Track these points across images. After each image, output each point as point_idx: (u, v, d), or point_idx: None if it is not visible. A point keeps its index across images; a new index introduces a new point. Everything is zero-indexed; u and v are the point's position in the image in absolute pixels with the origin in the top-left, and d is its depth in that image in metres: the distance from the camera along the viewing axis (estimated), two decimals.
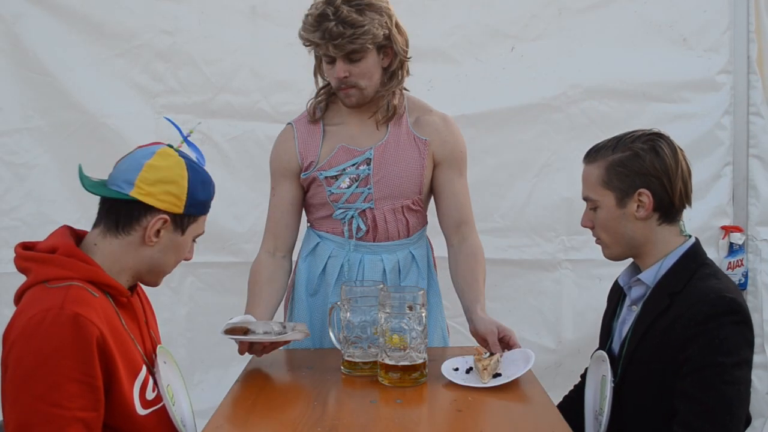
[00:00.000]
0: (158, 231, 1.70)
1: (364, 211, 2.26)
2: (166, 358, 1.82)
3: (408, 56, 2.25)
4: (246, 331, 1.92)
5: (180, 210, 1.71)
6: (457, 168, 2.33)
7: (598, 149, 1.93)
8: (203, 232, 1.83)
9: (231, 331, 1.93)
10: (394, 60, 2.23)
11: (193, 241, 1.82)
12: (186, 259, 1.82)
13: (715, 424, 1.69)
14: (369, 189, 2.25)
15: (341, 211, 2.27)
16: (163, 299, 3.11)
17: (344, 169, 2.25)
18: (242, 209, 3.15)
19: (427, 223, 2.39)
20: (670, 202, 1.86)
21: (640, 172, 1.85)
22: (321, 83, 2.31)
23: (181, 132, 1.82)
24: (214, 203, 3.07)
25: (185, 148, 1.82)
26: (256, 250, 3.11)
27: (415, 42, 3.04)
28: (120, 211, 1.69)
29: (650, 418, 1.82)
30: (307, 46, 2.18)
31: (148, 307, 1.90)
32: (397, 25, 2.21)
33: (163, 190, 1.68)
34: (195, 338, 3.18)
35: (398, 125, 2.29)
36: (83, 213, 2.75)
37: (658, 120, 3.01)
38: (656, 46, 3.05)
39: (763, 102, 3.05)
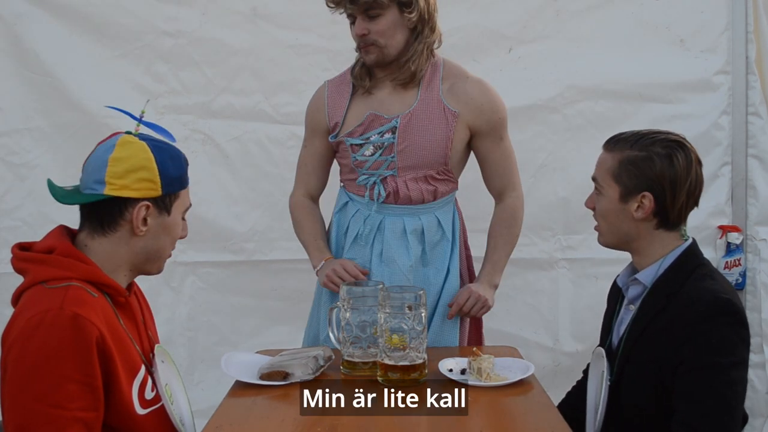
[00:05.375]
0: (145, 219, 1.69)
1: (386, 178, 2.28)
2: (164, 358, 1.82)
3: (432, 11, 2.24)
4: (285, 375, 1.91)
5: (158, 192, 1.69)
6: (497, 134, 2.33)
7: (619, 140, 1.92)
8: (190, 205, 1.81)
9: (268, 376, 1.91)
10: (418, 19, 2.21)
11: (183, 219, 1.79)
12: (181, 237, 1.80)
13: (714, 425, 1.70)
14: (392, 157, 2.27)
15: (364, 177, 2.30)
16: (163, 299, 3.12)
17: (369, 138, 2.27)
18: (243, 209, 3.16)
19: (456, 188, 2.40)
20: (671, 211, 1.86)
21: (649, 175, 1.84)
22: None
23: (131, 115, 1.78)
24: (214, 203, 3.13)
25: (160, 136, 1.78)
26: (256, 249, 3.15)
27: None
28: (101, 212, 1.69)
29: (646, 416, 1.83)
30: (330, 8, 2.21)
31: (145, 307, 1.90)
32: None
33: (135, 178, 1.66)
34: (195, 338, 3.18)
35: (429, 91, 2.27)
36: None
37: (655, 120, 3.01)
38: (653, 48, 3.04)
39: (761, 102, 3.05)
